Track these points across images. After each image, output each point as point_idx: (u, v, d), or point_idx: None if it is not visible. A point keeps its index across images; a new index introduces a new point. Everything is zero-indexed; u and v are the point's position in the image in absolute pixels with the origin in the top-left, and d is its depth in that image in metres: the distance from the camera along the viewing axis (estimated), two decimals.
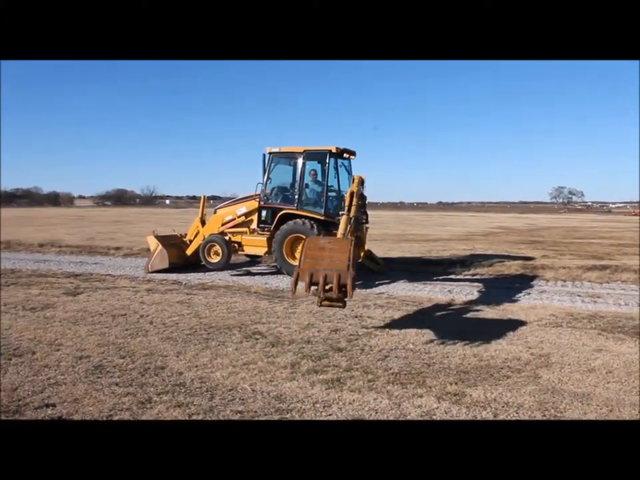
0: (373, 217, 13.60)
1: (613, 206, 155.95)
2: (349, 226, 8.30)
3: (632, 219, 64.34)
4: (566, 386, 5.49)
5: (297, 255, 12.34)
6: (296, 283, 6.27)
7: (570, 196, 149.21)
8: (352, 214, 8.61)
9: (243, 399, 5.00)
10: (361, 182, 9.90)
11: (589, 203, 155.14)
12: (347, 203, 8.86)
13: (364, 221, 11.80)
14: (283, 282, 12.13)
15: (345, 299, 6.51)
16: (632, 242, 23.79)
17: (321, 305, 6.73)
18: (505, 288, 11.68)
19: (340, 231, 8.09)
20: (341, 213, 8.89)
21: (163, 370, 5.82)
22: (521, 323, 8.14)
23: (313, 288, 6.42)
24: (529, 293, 11.00)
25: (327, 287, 6.47)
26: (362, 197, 9.51)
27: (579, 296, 10.75)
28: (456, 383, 5.50)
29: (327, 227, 12.18)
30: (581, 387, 5.48)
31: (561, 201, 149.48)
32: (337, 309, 7.63)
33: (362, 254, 12.65)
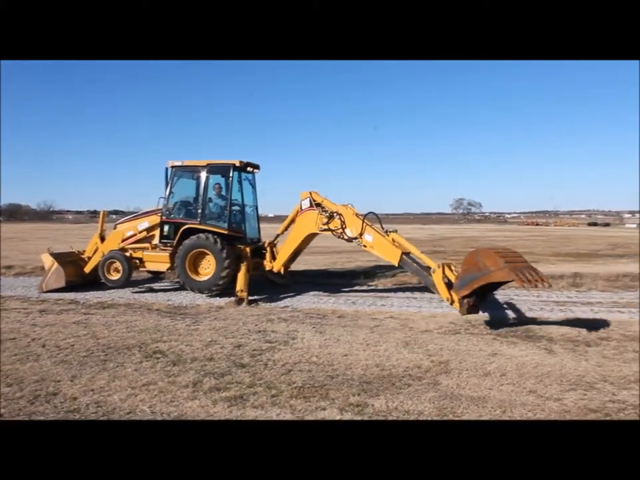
0: (274, 230, 13.62)
1: (509, 216, 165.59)
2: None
3: (525, 228, 68.37)
4: (463, 391, 5.69)
5: (200, 270, 12.08)
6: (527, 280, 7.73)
7: (469, 207, 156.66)
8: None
9: None
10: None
11: (487, 214, 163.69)
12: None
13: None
14: (186, 298, 11.85)
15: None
16: (524, 250, 25.18)
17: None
18: (407, 297, 12.04)
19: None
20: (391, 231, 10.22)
21: (55, 396, 5.48)
22: (422, 331, 8.38)
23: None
24: (430, 302, 11.35)
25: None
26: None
27: None
28: (359, 394, 5.56)
29: (231, 241, 12.02)
30: (477, 390, 5.70)
31: (461, 211, 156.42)
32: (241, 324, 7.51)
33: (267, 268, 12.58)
